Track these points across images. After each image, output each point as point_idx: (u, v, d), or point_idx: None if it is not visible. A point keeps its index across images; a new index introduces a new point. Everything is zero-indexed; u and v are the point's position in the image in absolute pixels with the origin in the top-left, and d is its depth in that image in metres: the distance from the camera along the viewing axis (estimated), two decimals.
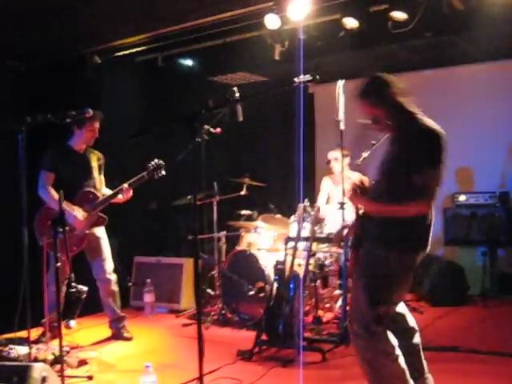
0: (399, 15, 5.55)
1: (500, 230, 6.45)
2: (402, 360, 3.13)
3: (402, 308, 3.36)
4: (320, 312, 5.56)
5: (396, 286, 3.14)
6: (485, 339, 5.04)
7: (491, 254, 6.57)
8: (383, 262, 3.09)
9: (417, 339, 3.36)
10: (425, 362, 3.37)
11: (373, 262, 3.16)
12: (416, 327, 3.38)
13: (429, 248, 3.19)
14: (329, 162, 6.35)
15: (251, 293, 5.51)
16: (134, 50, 6.95)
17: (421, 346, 3.37)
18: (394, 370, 3.11)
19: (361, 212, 3.33)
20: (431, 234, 3.17)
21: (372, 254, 3.17)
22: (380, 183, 3.23)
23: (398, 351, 3.13)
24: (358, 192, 3.23)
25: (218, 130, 5.53)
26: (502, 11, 5.27)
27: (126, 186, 4.99)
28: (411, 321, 3.38)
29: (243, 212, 6.37)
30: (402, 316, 3.35)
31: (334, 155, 6.16)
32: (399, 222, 3.06)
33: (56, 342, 3.90)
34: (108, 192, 5.15)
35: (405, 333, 3.32)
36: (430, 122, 3.14)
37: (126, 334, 5.34)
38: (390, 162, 3.20)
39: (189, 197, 5.73)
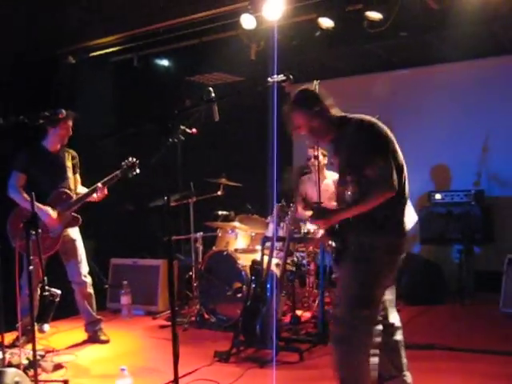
0: (374, 15, 5.57)
1: (475, 227, 6.51)
2: (375, 360, 3.13)
3: (388, 303, 3.36)
4: (298, 311, 5.56)
5: (384, 269, 3.17)
6: (461, 337, 5.08)
7: (467, 252, 6.61)
8: (369, 248, 3.12)
9: (399, 336, 3.37)
10: (405, 360, 3.37)
11: (359, 249, 3.17)
12: (399, 324, 3.38)
13: (407, 230, 3.22)
14: (308, 158, 6.35)
15: (228, 293, 5.49)
16: (109, 50, 6.91)
17: (403, 344, 3.38)
18: (364, 365, 3.12)
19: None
20: (409, 217, 3.21)
21: (357, 242, 3.18)
22: (344, 192, 3.25)
23: (376, 351, 3.13)
24: (324, 215, 3.25)
25: (194, 130, 5.49)
26: (476, 10, 5.32)
27: (99, 184, 4.95)
28: (394, 317, 3.38)
29: (220, 212, 6.35)
30: (385, 312, 3.34)
31: (313, 153, 6.16)
32: (376, 211, 3.07)
33: (30, 347, 3.85)
34: (83, 191, 5.10)
35: (386, 329, 3.31)
36: (364, 116, 3.22)
37: (102, 337, 5.29)
38: (341, 167, 3.26)
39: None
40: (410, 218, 3.30)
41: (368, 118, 3.21)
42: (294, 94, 3.38)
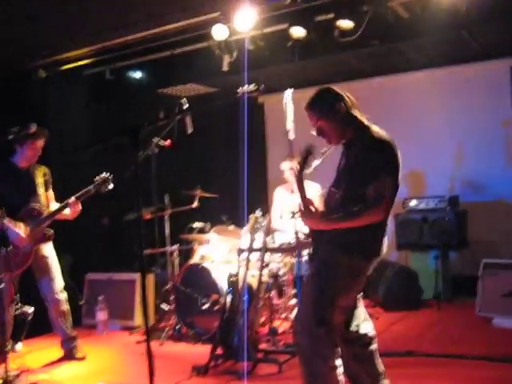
0: (345, 24, 5.59)
1: (451, 233, 6.55)
2: (339, 372, 3.13)
3: (359, 314, 3.34)
4: (275, 323, 5.53)
5: (343, 290, 3.14)
6: (439, 342, 5.10)
7: (443, 258, 6.66)
8: (333, 266, 3.11)
9: (373, 346, 3.35)
10: (382, 369, 3.35)
11: (323, 265, 3.16)
12: (372, 334, 3.36)
13: (383, 254, 3.20)
14: (283, 171, 6.37)
15: (205, 306, 5.44)
16: (81, 62, 6.85)
17: (377, 353, 3.36)
18: (329, 377, 3.11)
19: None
20: (386, 241, 3.19)
21: (323, 257, 3.18)
22: (334, 195, 3.23)
23: (339, 362, 3.13)
24: (312, 217, 3.20)
25: (168, 142, 5.46)
26: (446, 18, 5.36)
27: (73, 198, 4.88)
28: (367, 327, 3.35)
29: (195, 225, 6.29)
30: (356, 322, 3.32)
31: (287, 165, 6.16)
32: (353, 230, 3.06)
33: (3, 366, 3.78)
34: (55, 207, 5.02)
35: (359, 340, 3.31)
36: (382, 133, 3.17)
37: (78, 354, 5.21)
38: (345, 174, 3.22)
39: (144, 210, 5.65)
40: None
41: (385, 135, 3.15)
42: (315, 92, 3.30)
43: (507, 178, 6.81)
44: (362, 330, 3.32)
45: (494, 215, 6.84)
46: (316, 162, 5.05)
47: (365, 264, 3.17)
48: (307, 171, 4.28)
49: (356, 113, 3.24)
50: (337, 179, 3.28)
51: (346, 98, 3.26)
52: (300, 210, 3.27)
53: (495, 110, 6.89)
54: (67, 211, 4.92)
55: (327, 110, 3.23)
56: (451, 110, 7.09)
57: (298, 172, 3.25)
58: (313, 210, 3.21)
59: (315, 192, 5.79)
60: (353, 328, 3.29)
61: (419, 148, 7.09)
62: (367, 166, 3.05)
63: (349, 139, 3.25)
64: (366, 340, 3.32)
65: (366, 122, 3.24)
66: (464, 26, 5.73)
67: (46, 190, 5.14)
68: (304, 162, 3.23)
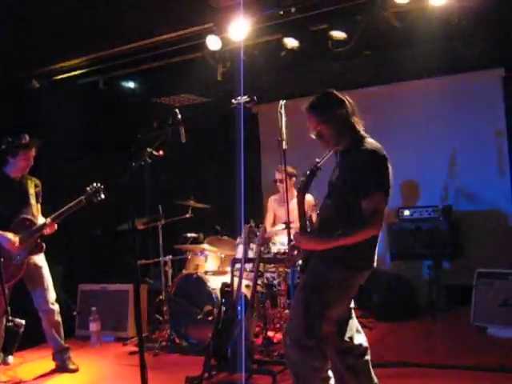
0: (338, 34, 5.61)
1: (444, 242, 6.54)
2: (331, 383, 3.11)
3: (350, 325, 3.32)
4: (270, 333, 5.51)
5: (333, 302, 3.13)
6: (433, 352, 5.10)
7: (437, 267, 6.64)
8: (323, 279, 3.09)
9: (366, 357, 3.32)
10: (375, 380, 3.32)
11: (313, 277, 3.15)
12: (365, 345, 3.33)
13: (374, 266, 3.19)
14: (275, 181, 6.36)
15: (199, 317, 5.41)
16: (74, 72, 6.84)
17: (370, 364, 3.33)
18: None
19: (308, 230, 3.29)
20: (376, 252, 3.18)
21: (314, 269, 3.17)
22: (329, 207, 3.22)
23: (330, 374, 3.12)
24: (308, 238, 3.18)
25: (161, 152, 5.43)
26: (438, 27, 5.39)
27: (48, 220, 4.89)
28: (360, 338, 3.33)
29: (189, 235, 6.28)
30: (349, 334, 3.30)
31: (280, 176, 6.15)
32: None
33: None
34: (41, 221, 5.00)
35: (353, 351, 3.28)
36: (377, 145, 3.16)
37: (71, 366, 5.17)
38: (339, 183, 3.20)
39: (137, 221, 5.63)
40: None
41: (379, 148, 3.13)
42: (317, 96, 3.28)
43: (500, 187, 6.81)
44: (356, 341, 3.30)
45: (487, 224, 6.83)
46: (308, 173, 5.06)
47: (356, 277, 3.16)
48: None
49: (355, 121, 3.22)
50: (330, 191, 3.27)
51: (348, 103, 3.24)
52: (296, 234, 3.23)
53: (488, 120, 6.90)
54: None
55: (329, 116, 3.20)
56: (444, 119, 7.09)
57: (300, 193, 3.22)
58: (308, 233, 3.19)
59: (308, 203, 5.78)
60: (346, 339, 3.27)
61: (412, 157, 7.10)
62: (361, 179, 3.03)
63: (346, 147, 3.23)
64: (360, 350, 3.29)
65: (362, 131, 3.23)
66: (456, 35, 5.77)
67: (37, 202, 5.12)
68: (308, 183, 3.20)
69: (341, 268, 3.09)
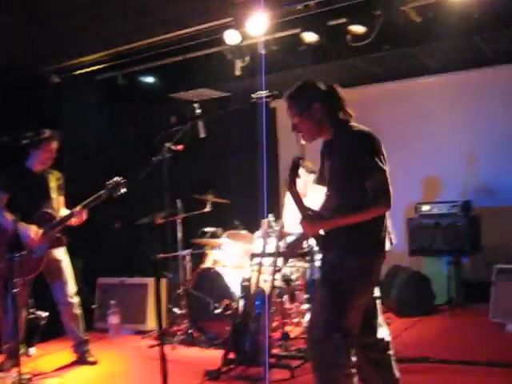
0: (357, 29, 5.58)
1: (463, 238, 6.51)
2: (355, 380, 3.07)
3: (374, 319, 3.28)
4: (288, 327, 5.51)
5: (354, 292, 3.09)
6: (453, 348, 5.07)
7: (456, 263, 6.62)
8: (340, 270, 3.07)
9: (390, 351, 3.30)
10: (397, 375, 3.30)
11: (331, 269, 3.14)
12: (389, 338, 3.30)
13: (388, 248, 3.15)
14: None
15: (217, 311, 5.44)
16: (94, 68, 6.88)
17: (394, 359, 3.31)
18: None
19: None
20: (387, 237, 3.16)
21: (332, 262, 3.14)
22: (331, 198, 3.21)
23: (354, 370, 3.08)
24: (312, 220, 3.15)
25: (180, 147, 5.47)
26: (459, 23, 5.34)
27: (78, 208, 4.89)
28: (383, 333, 3.30)
29: (208, 229, 6.30)
30: (373, 328, 3.27)
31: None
32: (356, 228, 3.02)
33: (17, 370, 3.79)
34: (65, 213, 5.04)
35: (376, 345, 3.26)
36: (364, 128, 3.14)
37: (90, 359, 5.21)
38: (334, 174, 3.17)
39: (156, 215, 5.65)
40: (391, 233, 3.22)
41: (368, 130, 3.11)
42: (296, 84, 3.23)
43: None
44: (379, 335, 3.27)
45: (507, 220, 6.78)
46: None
47: (373, 262, 3.13)
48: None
49: (337, 113, 3.18)
50: (328, 181, 3.24)
51: (330, 95, 3.19)
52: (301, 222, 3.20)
53: (508, 115, 6.86)
54: (73, 219, 4.95)
55: (304, 109, 3.16)
56: (464, 114, 7.06)
57: (289, 185, 3.18)
58: (311, 216, 3.15)
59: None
60: (369, 333, 3.24)
61: (432, 153, 7.07)
62: (359, 162, 3.00)
63: (331, 137, 3.21)
64: (383, 345, 3.27)
65: (347, 120, 3.17)
66: (476, 30, 5.71)
67: (58, 194, 5.17)
68: (293, 174, 3.18)
69: (356, 256, 3.07)
